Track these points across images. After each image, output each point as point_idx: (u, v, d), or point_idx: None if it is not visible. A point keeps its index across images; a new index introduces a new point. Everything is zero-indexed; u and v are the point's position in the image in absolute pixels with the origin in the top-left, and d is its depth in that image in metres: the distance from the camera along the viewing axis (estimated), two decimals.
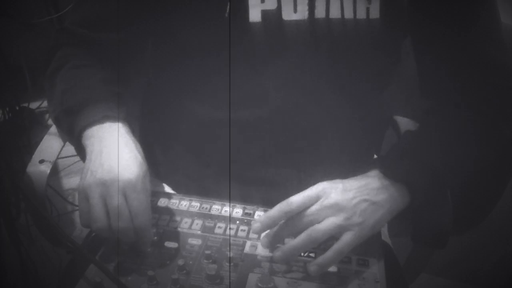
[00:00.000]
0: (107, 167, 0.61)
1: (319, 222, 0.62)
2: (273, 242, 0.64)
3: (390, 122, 0.94)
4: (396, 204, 0.64)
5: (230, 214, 0.71)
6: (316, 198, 0.63)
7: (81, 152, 0.67)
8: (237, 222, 0.70)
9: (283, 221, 0.63)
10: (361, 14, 0.68)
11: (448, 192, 0.69)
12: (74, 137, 0.67)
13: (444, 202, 0.68)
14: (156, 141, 0.76)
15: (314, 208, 0.62)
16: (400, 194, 0.65)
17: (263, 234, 0.64)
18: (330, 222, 0.61)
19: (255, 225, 0.63)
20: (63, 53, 0.76)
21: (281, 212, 0.62)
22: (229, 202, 0.73)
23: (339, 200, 0.62)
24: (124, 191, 0.60)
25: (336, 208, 0.62)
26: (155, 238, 0.66)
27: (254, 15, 0.67)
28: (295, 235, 0.63)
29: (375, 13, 0.68)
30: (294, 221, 0.63)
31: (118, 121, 0.67)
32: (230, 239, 0.67)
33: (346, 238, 0.61)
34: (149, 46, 0.79)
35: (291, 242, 0.62)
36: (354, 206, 0.62)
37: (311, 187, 0.64)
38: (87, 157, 0.64)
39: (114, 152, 0.62)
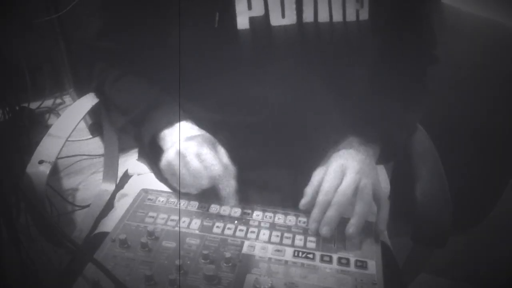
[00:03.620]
0: (180, 143, 0.70)
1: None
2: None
3: None
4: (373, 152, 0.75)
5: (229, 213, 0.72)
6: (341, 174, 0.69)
7: (149, 149, 0.76)
8: (236, 222, 0.70)
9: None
10: (351, 17, 0.68)
11: (447, 189, 0.69)
12: (145, 143, 0.76)
13: (444, 200, 0.68)
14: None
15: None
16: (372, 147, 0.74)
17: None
18: (349, 176, 0.68)
19: (304, 201, 0.70)
20: (100, 68, 0.82)
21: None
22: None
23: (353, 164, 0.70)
24: (197, 155, 0.68)
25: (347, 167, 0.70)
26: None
27: (242, 23, 0.67)
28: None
29: (364, 15, 0.68)
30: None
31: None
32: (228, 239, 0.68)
33: (363, 186, 0.68)
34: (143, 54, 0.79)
35: (327, 213, 0.67)
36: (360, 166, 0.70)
37: (330, 169, 0.70)
38: (164, 148, 0.73)
39: (184, 132, 0.73)
